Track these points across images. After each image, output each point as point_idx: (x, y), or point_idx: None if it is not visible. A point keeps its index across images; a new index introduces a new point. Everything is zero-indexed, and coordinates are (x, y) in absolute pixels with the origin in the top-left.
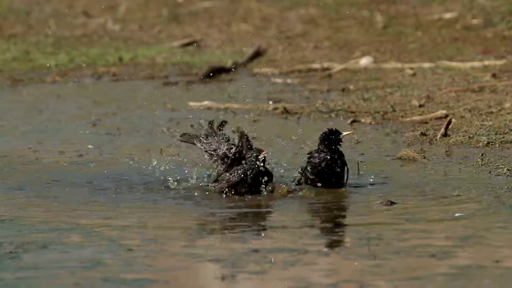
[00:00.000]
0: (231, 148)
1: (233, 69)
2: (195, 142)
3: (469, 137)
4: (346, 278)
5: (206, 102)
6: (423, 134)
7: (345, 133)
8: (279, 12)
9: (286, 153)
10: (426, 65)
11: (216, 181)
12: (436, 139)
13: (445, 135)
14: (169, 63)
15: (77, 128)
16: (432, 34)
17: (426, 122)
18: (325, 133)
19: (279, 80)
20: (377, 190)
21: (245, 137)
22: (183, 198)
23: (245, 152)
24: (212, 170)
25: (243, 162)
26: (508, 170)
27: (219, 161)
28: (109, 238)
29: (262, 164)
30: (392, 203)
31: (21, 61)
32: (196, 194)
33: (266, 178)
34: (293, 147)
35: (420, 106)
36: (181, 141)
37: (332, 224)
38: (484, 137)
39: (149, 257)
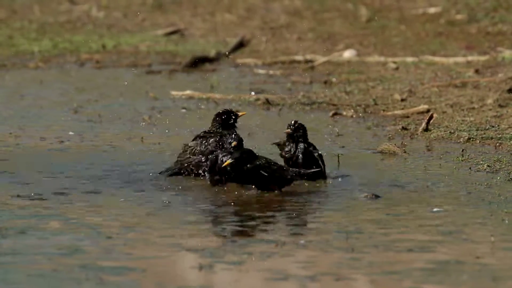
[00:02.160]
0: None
1: (216, 58)
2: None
3: (450, 132)
4: (323, 271)
5: (188, 92)
6: (404, 128)
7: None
8: (264, 2)
9: (266, 144)
10: (409, 59)
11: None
12: (417, 134)
13: (426, 129)
14: (152, 51)
15: (58, 114)
16: (416, 29)
17: (407, 117)
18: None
19: (261, 71)
20: (356, 183)
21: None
22: (163, 188)
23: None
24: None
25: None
26: (488, 166)
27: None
28: (88, 225)
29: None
30: (376, 196)
31: (4, 46)
32: (177, 183)
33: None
34: (273, 138)
35: (402, 100)
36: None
37: (311, 216)
38: (465, 133)
39: (127, 245)
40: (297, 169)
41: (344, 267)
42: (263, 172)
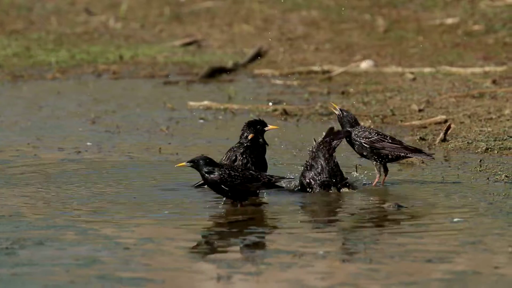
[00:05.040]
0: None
1: (234, 69)
2: None
3: (468, 142)
4: (341, 281)
5: (206, 102)
6: (422, 138)
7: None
8: (281, 13)
9: (285, 154)
10: (427, 70)
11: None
12: (435, 144)
13: (444, 140)
14: (169, 62)
15: (76, 125)
16: (433, 39)
17: (425, 127)
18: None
19: (279, 82)
20: (373, 193)
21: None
22: (180, 198)
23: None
24: None
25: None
26: (506, 176)
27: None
28: (105, 236)
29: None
30: (399, 206)
31: (21, 57)
32: (194, 194)
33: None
34: (292, 149)
35: (420, 110)
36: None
37: (329, 227)
38: (483, 143)
39: (145, 256)
40: (269, 175)
41: (362, 278)
42: (223, 187)
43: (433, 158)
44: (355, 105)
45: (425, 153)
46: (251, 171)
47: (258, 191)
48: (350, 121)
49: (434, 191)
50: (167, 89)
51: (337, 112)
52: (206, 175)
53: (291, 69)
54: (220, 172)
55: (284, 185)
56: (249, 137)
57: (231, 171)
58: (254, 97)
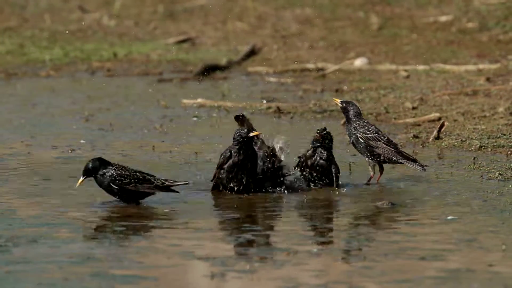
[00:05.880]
0: None
1: (228, 66)
2: None
3: (461, 140)
4: (335, 279)
5: (199, 100)
6: (415, 136)
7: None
8: (275, 11)
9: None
10: (421, 67)
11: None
12: (428, 142)
13: (437, 138)
14: (163, 59)
15: (70, 123)
16: (427, 37)
17: (419, 125)
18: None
19: (273, 79)
20: (367, 191)
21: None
22: (174, 195)
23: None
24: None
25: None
26: (499, 174)
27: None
28: (99, 234)
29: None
30: (393, 204)
31: (15, 55)
32: (188, 192)
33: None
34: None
35: (414, 108)
36: None
37: (323, 224)
38: (477, 141)
39: (139, 254)
40: (163, 179)
41: (356, 276)
42: (113, 186)
43: (425, 170)
44: None
45: (419, 163)
46: (143, 173)
47: (151, 194)
48: (354, 111)
49: (427, 189)
50: (161, 87)
51: (340, 105)
52: (98, 175)
53: (285, 66)
54: (111, 172)
55: (178, 189)
56: (252, 133)
57: (121, 171)
58: (248, 94)
